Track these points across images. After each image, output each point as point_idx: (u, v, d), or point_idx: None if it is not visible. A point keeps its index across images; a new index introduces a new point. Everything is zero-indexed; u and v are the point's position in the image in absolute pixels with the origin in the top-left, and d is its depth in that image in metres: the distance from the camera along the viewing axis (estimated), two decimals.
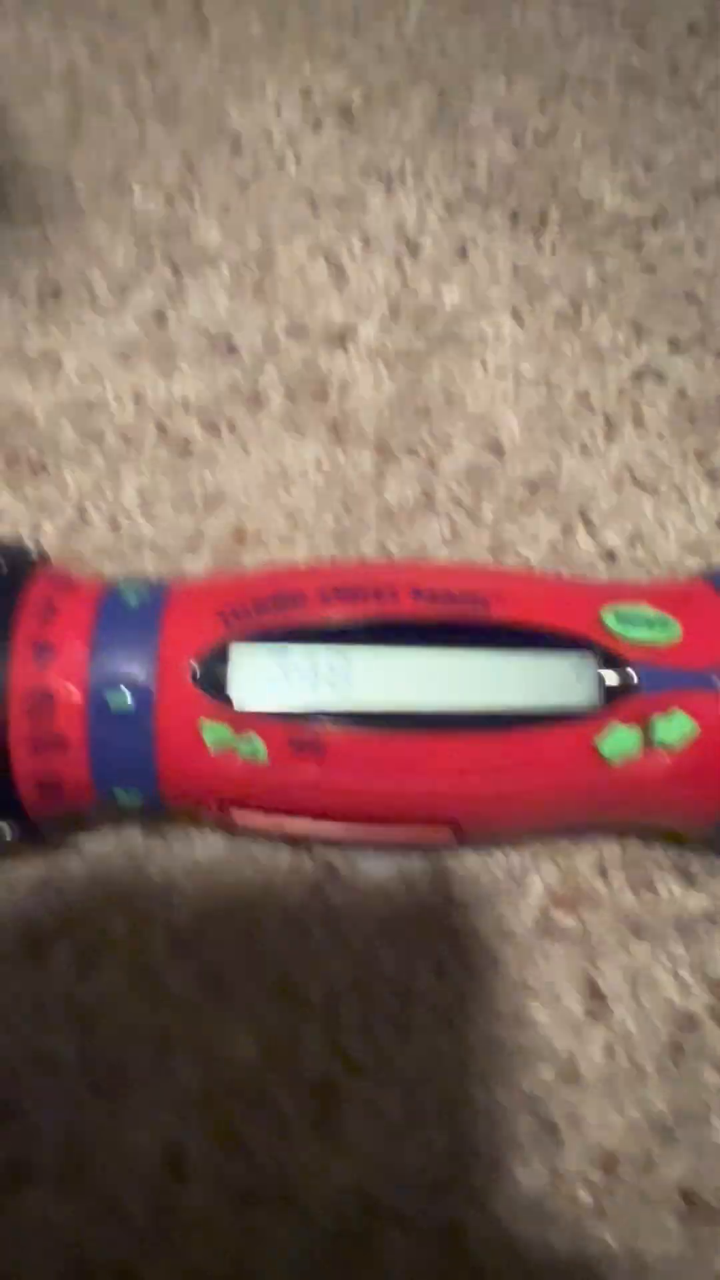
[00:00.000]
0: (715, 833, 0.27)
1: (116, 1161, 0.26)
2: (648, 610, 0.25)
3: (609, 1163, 0.26)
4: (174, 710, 0.24)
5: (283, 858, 0.29)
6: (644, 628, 0.25)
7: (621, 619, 0.25)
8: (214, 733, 0.24)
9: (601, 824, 0.29)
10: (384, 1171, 0.26)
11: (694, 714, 0.24)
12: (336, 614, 0.24)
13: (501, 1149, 0.26)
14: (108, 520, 0.34)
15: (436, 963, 0.28)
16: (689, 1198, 0.26)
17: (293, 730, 0.24)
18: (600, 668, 0.24)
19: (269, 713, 0.24)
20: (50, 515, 0.34)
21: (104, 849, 0.29)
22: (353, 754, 0.24)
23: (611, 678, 0.24)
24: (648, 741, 0.24)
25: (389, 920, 0.29)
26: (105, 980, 0.28)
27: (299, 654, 0.24)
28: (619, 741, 0.24)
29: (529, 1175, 0.26)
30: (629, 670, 0.24)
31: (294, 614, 0.24)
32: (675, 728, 0.24)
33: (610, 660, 0.24)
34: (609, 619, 0.25)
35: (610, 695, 0.24)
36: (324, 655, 0.24)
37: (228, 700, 0.24)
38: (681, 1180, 0.26)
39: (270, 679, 0.24)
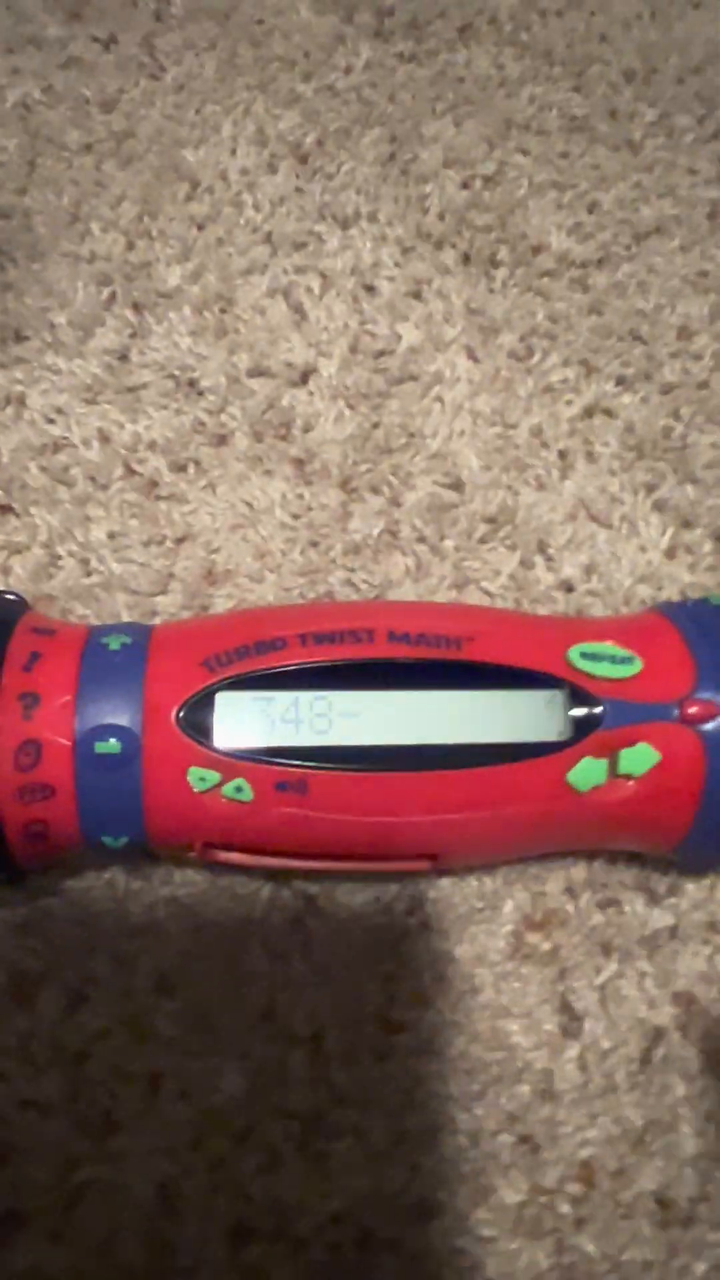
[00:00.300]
0: (677, 853, 0.28)
1: (109, 1204, 0.26)
2: (611, 648, 0.26)
3: (586, 1174, 0.28)
4: (161, 756, 0.25)
5: (263, 892, 0.30)
6: (608, 664, 0.26)
7: (587, 656, 0.26)
8: (200, 777, 0.24)
9: (571, 847, 0.30)
10: (373, 1198, 0.27)
11: (656, 744, 0.25)
12: (316, 658, 0.25)
13: (484, 1167, 0.27)
14: (78, 561, 0.34)
15: (416, 990, 0.29)
16: (664, 1204, 0.27)
17: (277, 772, 0.25)
18: (569, 703, 0.25)
19: (255, 756, 0.25)
20: (20, 556, 0.34)
21: (87, 890, 0.30)
22: (335, 792, 0.25)
23: (580, 713, 0.25)
24: (613, 771, 0.25)
25: (368, 949, 0.30)
26: (92, 1022, 0.28)
27: (282, 698, 0.25)
28: (588, 772, 0.25)
29: (512, 1191, 0.27)
30: (596, 705, 0.25)
31: (275, 659, 0.25)
32: (639, 758, 0.25)
33: (579, 696, 0.26)
34: (576, 657, 0.26)
35: (579, 729, 0.25)
36: (305, 699, 0.25)
37: (213, 746, 0.24)
38: (656, 1188, 0.27)
39: (255, 724, 0.25)
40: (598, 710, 0.25)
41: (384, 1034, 0.29)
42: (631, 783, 0.25)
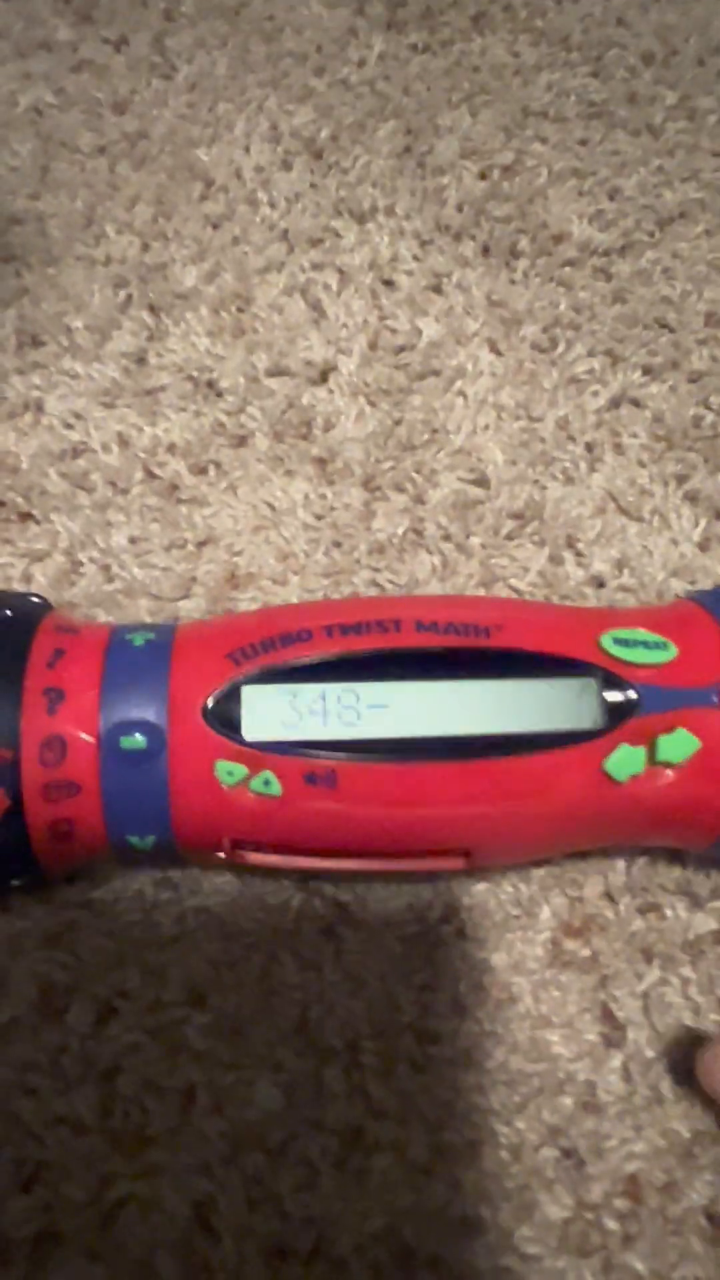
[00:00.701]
0: (716, 848, 0.27)
1: (145, 1223, 0.26)
2: (645, 634, 0.26)
3: (633, 1189, 0.27)
4: (187, 750, 0.24)
5: (293, 900, 0.29)
6: (642, 650, 0.25)
7: (620, 643, 0.25)
8: (228, 771, 0.24)
9: (609, 843, 0.29)
10: (413, 1214, 0.26)
11: (695, 730, 0.24)
12: (343, 649, 0.25)
13: (528, 1182, 0.27)
14: (100, 567, 0.34)
15: (452, 999, 0.28)
16: (715, 1220, 0.26)
17: (306, 764, 0.24)
18: (603, 690, 0.25)
19: (282, 748, 0.24)
20: (41, 564, 0.34)
21: (115, 902, 0.29)
22: (365, 785, 0.24)
23: (615, 699, 0.25)
24: (652, 759, 0.25)
25: (403, 958, 0.29)
26: (123, 1035, 0.27)
27: (309, 691, 0.24)
28: (625, 761, 0.24)
29: (556, 1207, 0.26)
30: (631, 691, 0.25)
31: (301, 650, 0.25)
32: (678, 745, 0.24)
33: (613, 682, 0.25)
34: (608, 643, 0.25)
35: (614, 716, 0.25)
36: (333, 690, 0.24)
37: (241, 739, 0.24)
38: (706, 1203, 0.26)
39: (282, 716, 0.24)
40: (633, 696, 0.25)
41: (420, 1045, 0.28)
42: (671, 771, 0.24)
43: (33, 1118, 0.26)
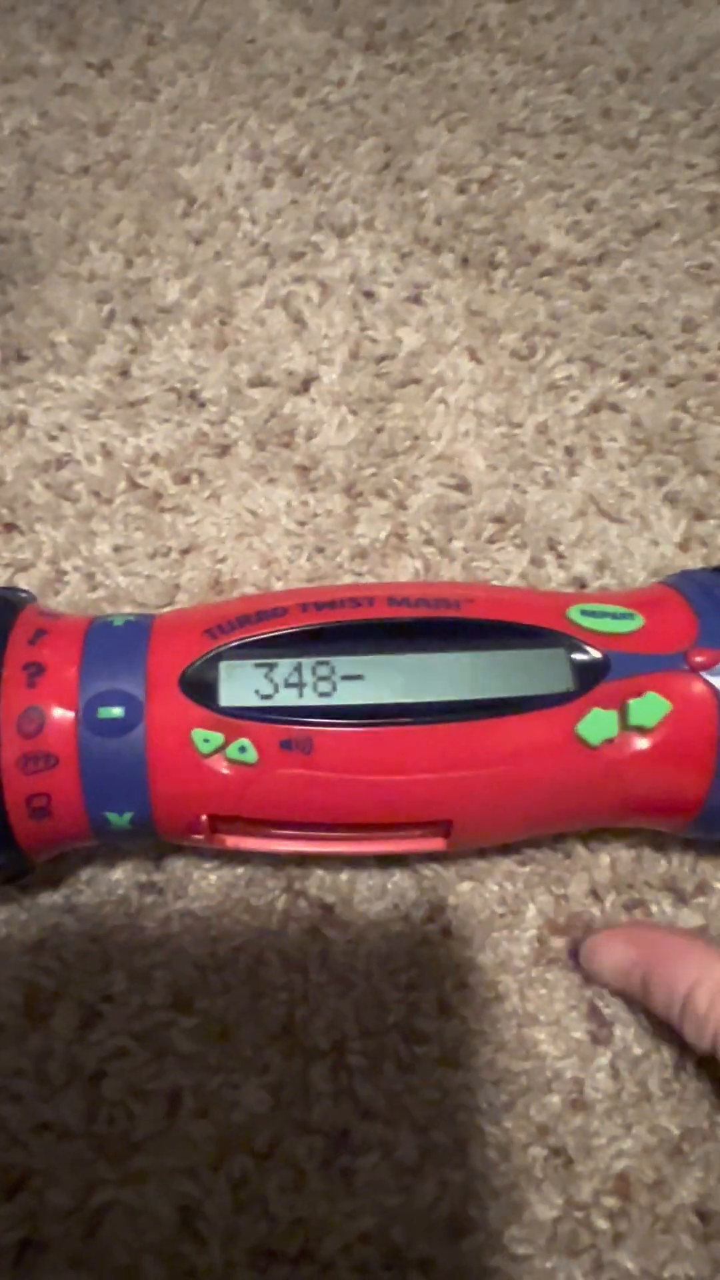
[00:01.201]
0: (700, 821, 0.27)
1: (131, 1228, 0.25)
2: (612, 607, 0.26)
3: (623, 1187, 0.27)
4: (165, 721, 0.24)
5: (279, 901, 0.29)
6: (610, 620, 0.26)
7: (587, 614, 0.26)
8: (205, 739, 0.24)
9: (590, 820, 0.29)
10: (401, 1215, 0.26)
11: (666, 694, 0.25)
12: (318, 622, 0.25)
13: (516, 1181, 0.26)
14: (84, 576, 0.34)
15: (439, 999, 0.28)
16: (705, 1217, 0.26)
17: (281, 731, 0.24)
18: (572, 656, 0.25)
19: (258, 715, 0.24)
20: (26, 574, 0.34)
21: (99, 906, 0.29)
22: (340, 750, 0.24)
23: (584, 661, 0.25)
24: (624, 724, 0.25)
25: (388, 958, 0.29)
26: (108, 1040, 0.27)
27: (285, 664, 0.25)
28: (597, 724, 0.25)
29: (546, 1206, 0.26)
30: (600, 657, 0.25)
31: (277, 624, 0.25)
32: (649, 708, 0.25)
33: (581, 649, 0.25)
34: (576, 615, 0.26)
35: (584, 681, 0.25)
36: (308, 663, 0.25)
37: (217, 706, 0.24)
38: (696, 1200, 0.26)
39: (258, 688, 0.24)
40: (601, 660, 0.25)
41: (407, 1045, 0.28)
42: (644, 736, 0.25)
43: (17, 1124, 0.26)
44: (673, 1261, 0.26)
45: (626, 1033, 0.28)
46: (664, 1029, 0.28)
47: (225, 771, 0.24)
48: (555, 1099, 0.27)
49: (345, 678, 0.24)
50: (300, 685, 0.24)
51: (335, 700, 0.24)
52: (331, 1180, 0.26)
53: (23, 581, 0.34)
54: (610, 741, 0.25)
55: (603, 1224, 0.26)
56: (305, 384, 0.38)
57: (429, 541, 0.35)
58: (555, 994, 0.29)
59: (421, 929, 0.29)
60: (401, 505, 0.36)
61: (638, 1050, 0.28)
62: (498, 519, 0.36)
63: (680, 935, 0.26)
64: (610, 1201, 0.26)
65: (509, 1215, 0.26)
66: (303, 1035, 0.28)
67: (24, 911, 0.29)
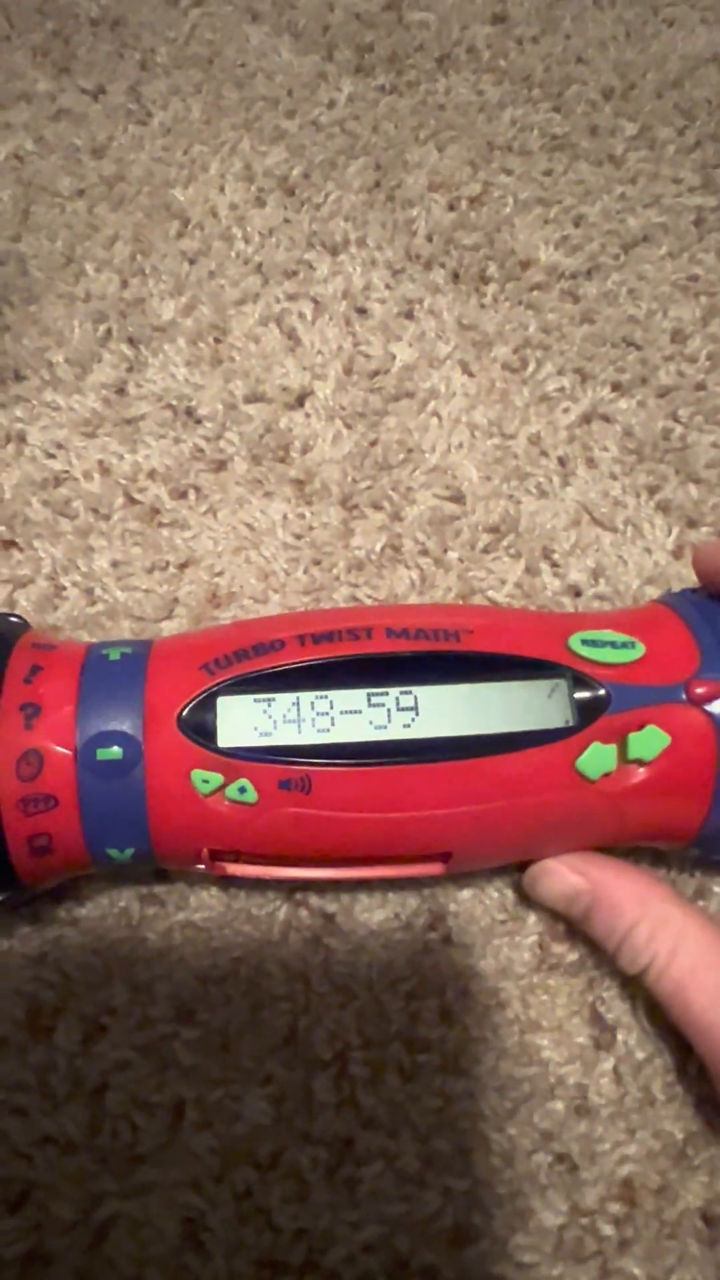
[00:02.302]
0: (698, 844, 0.27)
1: (134, 1241, 0.25)
2: (612, 634, 0.26)
3: (628, 1193, 0.27)
4: (164, 761, 0.24)
5: (280, 912, 0.30)
6: (610, 650, 0.26)
7: (588, 643, 0.26)
8: (204, 779, 0.24)
9: (587, 844, 0.29)
10: (405, 1224, 0.26)
11: (665, 727, 0.25)
12: (315, 656, 0.25)
13: (521, 1189, 0.26)
14: (82, 591, 0.34)
15: (440, 1007, 0.28)
16: (710, 1221, 0.26)
17: (280, 771, 0.24)
18: (573, 690, 0.25)
19: (257, 755, 0.24)
20: (24, 590, 0.34)
21: (101, 919, 0.29)
22: (339, 789, 0.24)
23: (585, 698, 0.25)
24: (623, 757, 0.25)
25: (390, 967, 0.29)
26: (111, 1053, 0.27)
27: (283, 699, 0.25)
28: (597, 759, 0.25)
29: (551, 1213, 0.26)
30: (601, 690, 0.25)
31: (275, 659, 0.25)
32: (648, 741, 0.25)
33: (582, 682, 0.25)
34: (576, 644, 0.26)
35: (585, 715, 0.25)
36: (306, 698, 0.25)
37: (216, 747, 0.24)
38: (702, 1204, 0.26)
39: (257, 725, 0.24)
40: (602, 695, 0.25)
41: (409, 1053, 0.28)
42: (643, 768, 0.25)
43: (21, 1137, 0.26)
44: (679, 1267, 0.26)
45: (629, 1037, 0.28)
46: (667, 1032, 0.28)
47: (225, 810, 0.24)
48: (559, 1105, 0.27)
49: (344, 712, 0.24)
50: (299, 721, 0.24)
51: (334, 737, 0.24)
52: (335, 1190, 0.26)
53: (21, 598, 0.34)
54: (609, 775, 0.25)
55: (608, 1230, 0.26)
56: (300, 399, 0.39)
57: (424, 552, 0.35)
58: (557, 1000, 0.29)
59: (423, 937, 0.29)
60: (397, 517, 0.36)
61: (640, 1055, 0.28)
62: (492, 529, 0.36)
63: (626, 870, 0.27)
64: (615, 1207, 0.26)
65: (514, 1223, 0.26)
66: (305, 1046, 0.28)
67: (25, 925, 0.29)
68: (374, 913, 0.30)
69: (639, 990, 0.29)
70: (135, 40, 0.48)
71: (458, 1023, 0.28)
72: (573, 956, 0.29)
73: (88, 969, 0.28)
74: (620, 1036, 0.28)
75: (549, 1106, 0.27)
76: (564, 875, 0.27)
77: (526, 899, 0.30)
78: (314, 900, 0.30)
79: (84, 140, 0.45)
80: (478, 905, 0.30)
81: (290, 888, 0.30)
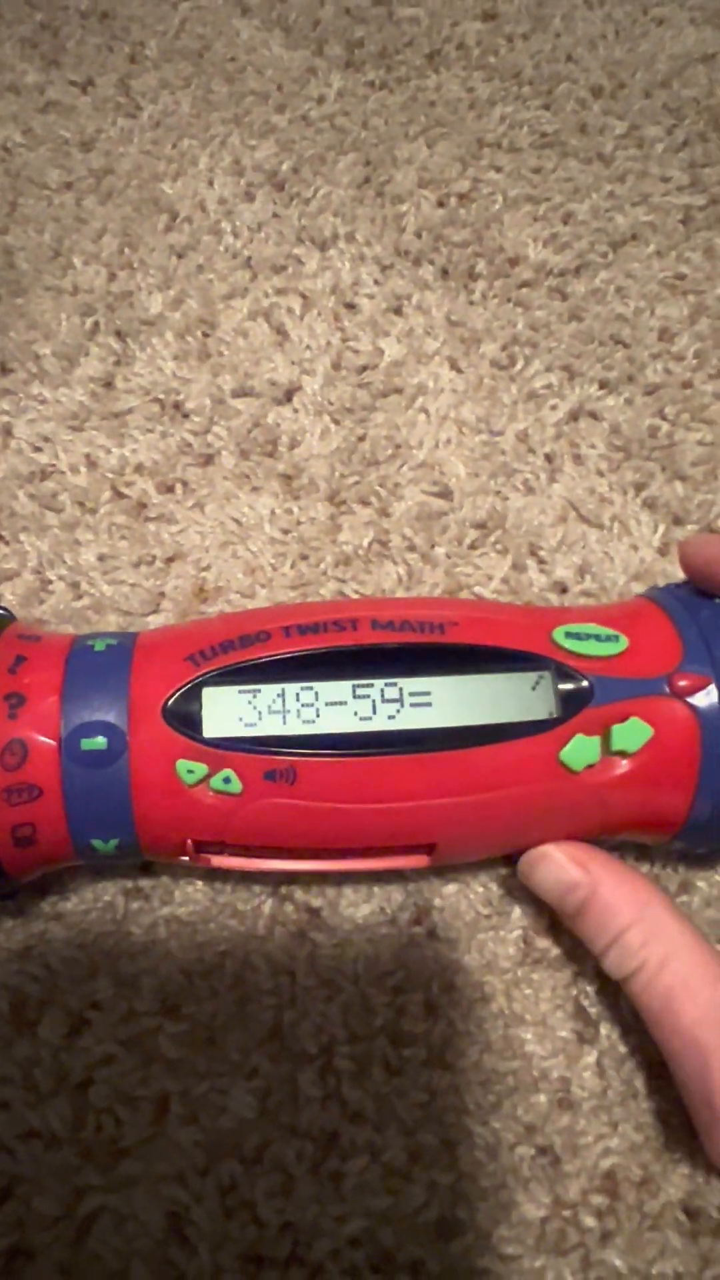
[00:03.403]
0: (682, 837, 0.27)
1: (119, 1235, 0.25)
2: (596, 628, 0.26)
3: (610, 1185, 0.27)
4: (149, 751, 0.24)
5: (265, 906, 0.30)
6: (594, 643, 0.26)
7: (572, 636, 0.26)
8: (189, 769, 0.24)
9: (572, 837, 0.29)
10: (390, 1218, 0.26)
11: (648, 719, 0.25)
12: (301, 647, 0.25)
13: (504, 1181, 0.26)
14: (69, 584, 0.34)
15: (425, 1001, 0.29)
16: (692, 1214, 0.26)
17: (265, 761, 0.24)
18: (557, 682, 0.25)
19: (242, 745, 0.24)
20: (10, 583, 0.34)
21: (86, 913, 0.29)
22: (324, 780, 0.24)
23: (569, 689, 0.25)
24: (607, 748, 0.25)
25: (375, 961, 0.29)
26: (95, 1046, 0.27)
27: (268, 690, 0.25)
28: (580, 751, 0.25)
29: (533, 1206, 0.26)
30: (584, 682, 0.25)
31: (260, 651, 0.25)
32: (631, 733, 0.25)
33: (566, 674, 0.25)
34: (560, 637, 0.26)
35: (569, 707, 0.25)
36: (291, 689, 0.25)
37: (201, 737, 0.24)
38: (683, 1197, 0.26)
39: (242, 716, 0.24)
40: (585, 687, 0.25)
41: (395, 1047, 0.28)
42: (626, 760, 0.25)
43: (5, 1131, 0.26)
44: (661, 1259, 0.26)
45: (613, 1031, 0.28)
46: None
47: (210, 800, 0.24)
48: (542, 1098, 0.27)
49: (329, 704, 0.24)
50: (284, 712, 0.24)
51: (318, 728, 0.24)
52: (320, 1184, 0.26)
53: (7, 591, 0.34)
54: (592, 766, 0.25)
55: (591, 1222, 0.26)
56: (288, 394, 0.39)
57: (412, 548, 0.35)
58: (541, 994, 0.29)
59: (408, 932, 0.29)
60: (384, 513, 0.36)
61: (623, 1049, 0.28)
62: (479, 525, 0.36)
63: (627, 871, 0.26)
64: (598, 1200, 0.26)
65: (497, 1215, 0.26)
66: (290, 1039, 0.28)
67: (10, 919, 0.29)
68: (359, 907, 0.30)
69: None
70: (125, 33, 0.48)
71: (442, 1017, 0.28)
72: (556, 951, 0.29)
73: (72, 963, 0.28)
74: (603, 1031, 0.28)
75: (532, 1100, 0.27)
76: (564, 865, 0.26)
77: (511, 894, 0.30)
78: (299, 895, 0.30)
79: (72, 133, 0.45)
80: (462, 900, 0.30)
81: (276, 881, 0.30)
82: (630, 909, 0.25)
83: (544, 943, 0.29)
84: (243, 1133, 0.27)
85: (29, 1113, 0.26)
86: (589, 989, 0.29)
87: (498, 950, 0.29)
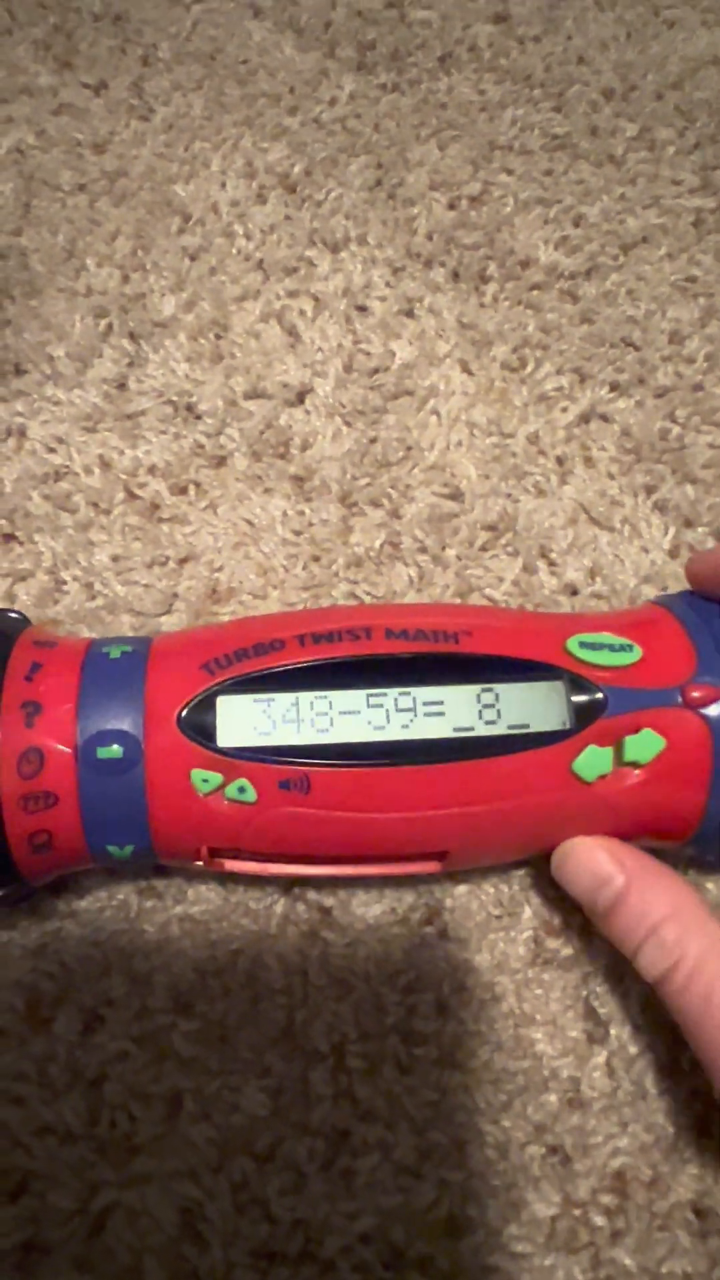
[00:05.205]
0: (693, 844, 0.27)
1: (133, 1230, 0.26)
2: (610, 637, 0.26)
3: (620, 1185, 0.27)
4: (164, 760, 0.24)
5: (277, 905, 0.30)
6: (608, 653, 0.26)
7: (586, 646, 0.26)
8: (204, 779, 0.24)
9: None
10: (401, 1215, 0.26)
11: (661, 730, 0.25)
12: (315, 657, 0.25)
13: (515, 1180, 0.27)
14: (82, 585, 0.34)
15: (436, 1000, 0.29)
16: (701, 1214, 0.26)
17: (279, 771, 0.24)
18: (570, 692, 0.25)
19: (256, 755, 0.24)
20: (25, 583, 0.34)
21: (100, 911, 0.29)
22: (338, 789, 0.25)
23: (582, 701, 0.25)
24: (619, 759, 0.25)
25: (387, 961, 0.29)
26: (109, 1043, 0.28)
27: (282, 699, 0.25)
28: (593, 761, 0.25)
29: (544, 1205, 0.26)
30: (598, 694, 0.25)
31: (275, 659, 0.25)
32: (644, 744, 0.25)
33: (579, 685, 0.25)
34: (574, 647, 0.26)
35: (582, 718, 0.25)
36: (306, 698, 0.25)
37: (215, 747, 0.24)
38: (693, 1197, 0.27)
39: (256, 725, 0.25)
40: (599, 698, 0.25)
41: (406, 1046, 0.28)
42: (638, 771, 0.25)
43: (20, 1127, 0.26)
44: (670, 1258, 0.26)
45: (622, 1032, 0.29)
46: (660, 1027, 0.28)
47: (225, 810, 0.25)
48: (552, 1098, 0.28)
49: (343, 713, 0.25)
50: (298, 721, 0.24)
51: (332, 737, 0.24)
52: (332, 1181, 0.26)
53: (21, 591, 0.34)
54: (604, 777, 0.25)
55: (600, 1221, 0.26)
56: (300, 396, 0.39)
57: (423, 550, 0.36)
58: (551, 994, 0.29)
59: (419, 931, 0.30)
60: (396, 514, 0.36)
61: (633, 1049, 0.28)
62: (490, 527, 0.36)
63: (662, 869, 0.25)
64: (607, 1199, 0.27)
65: (507, 1214, 0.26)
66: (302, 1038, 0.28)
67: (25, 916, 0.29)
68: (371, 907, 0.30)
69: (632, 985, 0.29)
70: (137, 35, 0.48)
71: (453, 1016, 0.29)
72: (567, 951, 0.29)
73: (87, 960, 0.29)
74: (613, 1031, 0.28)
75: (542, 1099, 0.28)
76: (600, 860, 0.25)
77: (521, 895, 0.30)
78: (311, 894, 0.30)
79: (86, 135, 0.45)
80: (473, 900, 0.30)
81: (288, 883, 0.30)
82: (664, 905, 0.25)
83: (554, 943, 0.30)
84: (255, 1130, 0.27)
85: (44, 1109, 0.27)
86: (599, 990, 0.29)
87: (508, 950, 0.29)
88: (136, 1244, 0.25)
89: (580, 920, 0.30)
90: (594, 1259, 0.26)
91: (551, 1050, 0.28)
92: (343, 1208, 0.26)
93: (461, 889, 0.30)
